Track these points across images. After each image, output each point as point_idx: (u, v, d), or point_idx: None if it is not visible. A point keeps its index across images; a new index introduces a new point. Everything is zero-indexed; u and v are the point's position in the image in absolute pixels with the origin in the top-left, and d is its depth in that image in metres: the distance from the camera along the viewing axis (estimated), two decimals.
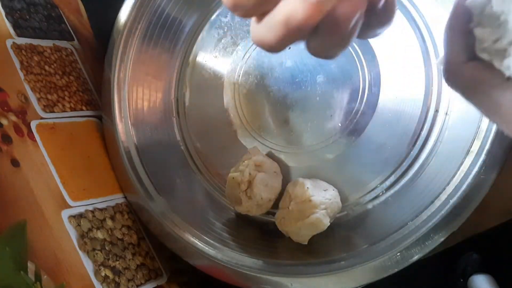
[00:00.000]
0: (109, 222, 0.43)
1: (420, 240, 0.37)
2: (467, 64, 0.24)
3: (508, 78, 0.22)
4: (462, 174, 0.37)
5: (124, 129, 0.48)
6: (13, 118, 0.40)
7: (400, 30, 0.43)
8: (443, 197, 0.37)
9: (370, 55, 0.43)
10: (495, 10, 0.22)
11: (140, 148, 0.48)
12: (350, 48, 0.44)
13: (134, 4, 0.49)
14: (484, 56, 0.23)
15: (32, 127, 0.41)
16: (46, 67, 0.46)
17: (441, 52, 0.43)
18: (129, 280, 0.42)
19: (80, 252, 0.39)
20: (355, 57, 0.44)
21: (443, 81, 0.42)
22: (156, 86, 0.52)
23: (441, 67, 0.27)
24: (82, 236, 0.40)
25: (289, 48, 0.47)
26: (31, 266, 0.35)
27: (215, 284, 0.42)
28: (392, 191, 0.42)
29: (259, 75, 0.48)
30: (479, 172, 0.36)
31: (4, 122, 0.39)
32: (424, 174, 0.41)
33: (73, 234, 0.40)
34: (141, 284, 0.43)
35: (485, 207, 0.36)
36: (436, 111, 0.42)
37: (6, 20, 0.44)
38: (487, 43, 0.22)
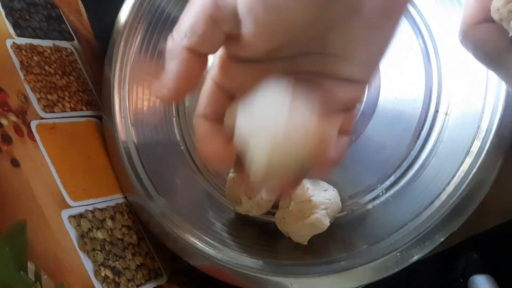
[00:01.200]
0: (109, 222, 0.43)
1: (420, 240, 0.37)
2: (480, 25, 0.25)
3: None
4: (462, 174, 0.37)
5: (124, 129, 0.48)
6: (13, 118, 0.40)
7: (400, 30, 0.43)
8: (443, 197, 0.37)
9: None
10: None
11: (140, 148, 0.48)
12: None
13: (134, 4, 0.49)
14: (496, 16, 0.24)
15: (32, 127, 0.41)
16: (46, 67, 0.46)
17: (441, 51, 0.43)
18: (129, 280, 0.42)
19: (80, 252, 0.39)
20: None
21: (443, 81, 0.42)
22: None
23: None
24: (82, 236, 0.40)
25: None
26: (31, 266, 0.35)
27: (215, 284, 0.42)
28: (392, 191, 0.42)
29: None
30: (479, 172, 0.36)
31: (4, 122, 0.39)
32: (424, 174, 0.41)
33: (73, 234, 0.40)
34: (141, 284, 0.43)
35: (485, 207, 0.36)
36: (436, 111, 0.42)
37: (6, 20, 0.44)
38: (501, 2, 0.23)
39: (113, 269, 0.41)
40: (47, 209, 0.39)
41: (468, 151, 0.37)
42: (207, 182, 0.50)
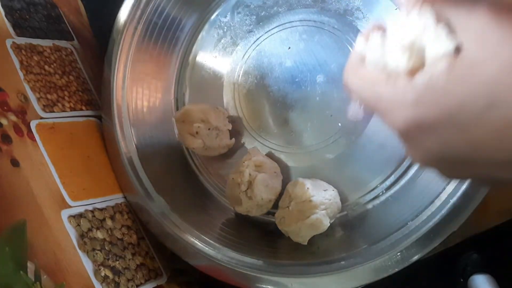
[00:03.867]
0: (108, 222, 0.43)
1: (420, 240, 0.37)
2: (362, 66, 0.29)
3: (388, 76, 0.25)
4: None
5: (123, 129, 0.48)
6: (13, 118, 0.40)
7: None
8: (443, 196, 0.37)
9: None
10: None
11: (139, 148, 0.48)
12: (349, 48, 0.44)
13: (134, 4, 0.49)
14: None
15: (31, 127, 0.41)
16: (46, 67, 0.46)
17: None
18: (129, 280, 0.42)
19: (80, 252, 0.39)
20: None
21: None
22: (156, 86, 0.52)
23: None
24: (81, 236, 0.40)
25: (289, 48, 0.47)
26: (31, 266, 0.35)
27: (215, 284, 0.42)
28: (392, 191, 0.42)
29: (259, 75, 0.48)
30: None
31: (4, 122, 0.39)
32: (424, 173, 0.41)
33: (72, 234, 0.40)
34: (141, 284, 0.43)
35: (485, 207, 0.36)
36: None
37: (6, 20, 0.44)
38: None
39: (113, 269, 0.41)
40: (47, 209, 0.39)
41: None
42: (207, 182, 0.50)
